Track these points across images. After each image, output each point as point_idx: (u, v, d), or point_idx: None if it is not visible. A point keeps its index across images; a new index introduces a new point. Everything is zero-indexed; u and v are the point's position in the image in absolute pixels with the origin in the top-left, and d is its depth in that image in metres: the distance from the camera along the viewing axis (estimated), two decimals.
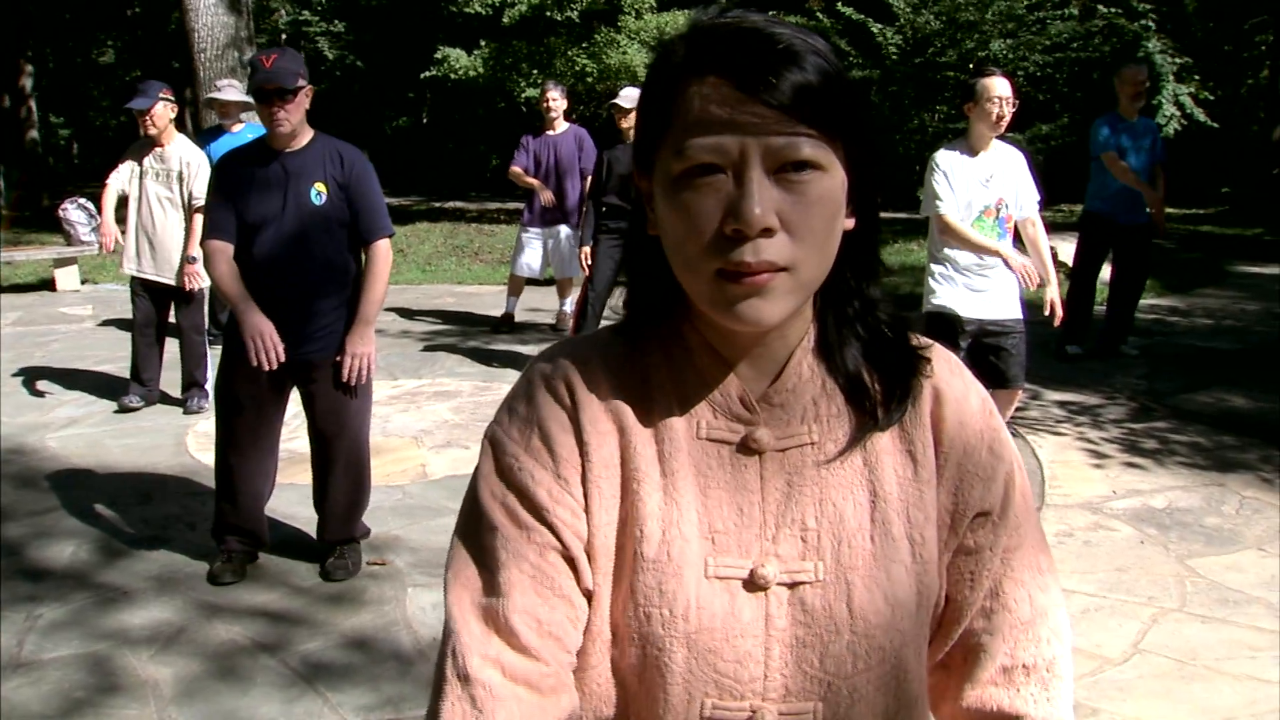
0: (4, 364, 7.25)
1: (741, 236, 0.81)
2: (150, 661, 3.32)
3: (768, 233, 0.82)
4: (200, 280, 5.87)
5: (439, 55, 19.02)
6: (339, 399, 3.76)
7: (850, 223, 0.90)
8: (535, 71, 18.39)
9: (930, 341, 0.99)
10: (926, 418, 0.95)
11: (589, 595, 0.91)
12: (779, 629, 0.90)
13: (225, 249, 3.68)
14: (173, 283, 5.92)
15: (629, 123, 6.75)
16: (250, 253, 3.65)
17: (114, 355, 7.36)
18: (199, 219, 5.76)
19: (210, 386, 5.94)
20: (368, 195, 3.69)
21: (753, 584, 0.90)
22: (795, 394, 0.93)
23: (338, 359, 3.70)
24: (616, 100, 6.92)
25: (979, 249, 4.29)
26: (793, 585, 0.91)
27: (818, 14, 15.66)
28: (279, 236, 3.66)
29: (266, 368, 3.58)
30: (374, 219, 3.72)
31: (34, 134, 20.04)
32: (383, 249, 3.74)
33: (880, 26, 14.64)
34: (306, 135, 3.69)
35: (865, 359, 0.95)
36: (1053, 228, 6.89)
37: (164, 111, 5.80)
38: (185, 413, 5.99)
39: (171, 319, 6.11)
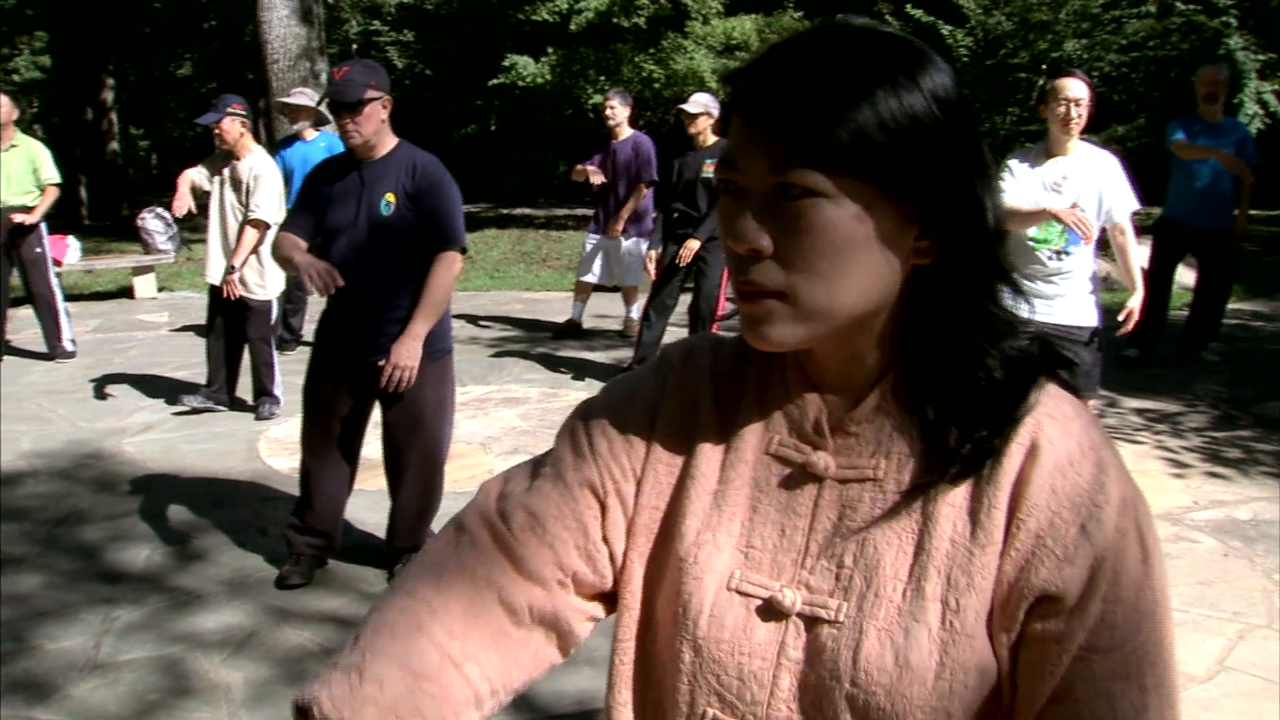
0: (84, 370, 7.42)
1: (740, 256, 0.83)
2: (222, 665, 3.36)
3: (758, 255, 0.82)
4: (238, 290, 5.96)
5: (507, 63, 19.18)
6: (411, 409, 3.77)
7: (918, 259, 0.85)
8: (602, 78, 18.46)
9: (1061, 393, 0.87)
10: (1009, 475, 0.84)
11: (613, 555, 0.94)
12: (791, 659, 0.87)
13: (294, 239, 3.74)
14: (240, 292, 6.02)
15: (696, 128, 6.72)
16: (329, 260, 3.70)
17: (189, 362, 7.49)
18: (250, 231, 5.89)
19: (280, 393, 6.07)
20: (437, 206, 3.66)
21: (772, 607, 0.88)
22: (869, 426, 0.89)
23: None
24: (684, 106, 6.89)
25: (1026, 220, 4.12)
26: (812, 619, 0.87)
27: (886, 16, 15.49)
28: (351, 245, 3.70)
29: (324, 292, 3.59)
30: (441, 229, 3.67)
31: (114, 145, 20.54)
32: (445, 260, 3.68)
33: (950, 28, 14.45)
34: (386, 145, 3.70)
35: (949, 405, 0.86)
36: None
37: (231, 125, 5.87)
38: (257, 419, 6.08)
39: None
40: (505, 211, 19.97)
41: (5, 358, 7.71)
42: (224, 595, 3.84)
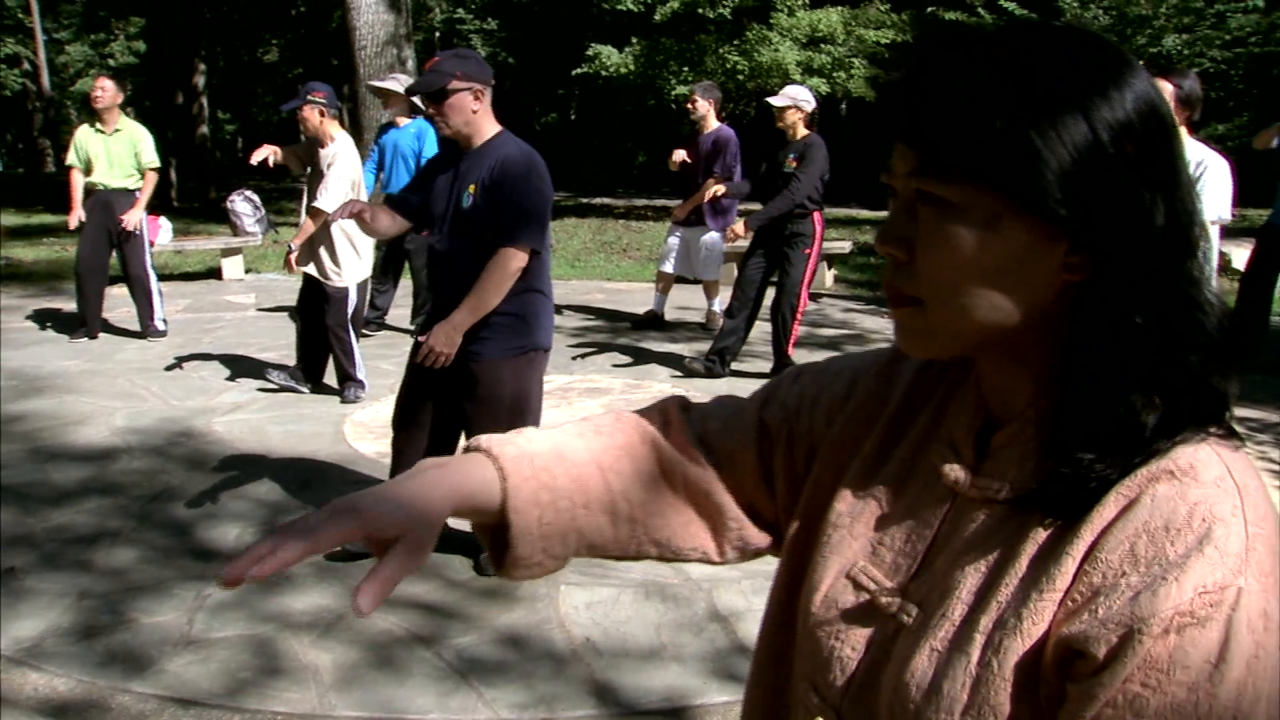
0: (174, 348, 7.58)
1: (887, 259, 0.83)
2: (311, 646, 3.39)
3: (895, 259, 0.82)
4: (295, 266, 6.09)
5: (590, 52, 19.19)
6: (488, 403, 3.73)
7: (1069, 276, 0.78)
8: (685, 69, 18.41)
9: (1217, 450, 0.76)
10: (1096, 526, 0.75)
11: (777, 494, 1.03)
12: (872, 656, 0.88)
13: (384, 208, 3.81)
14: (317, 276, 6.11)
15: (784, 122, 6.64)
16: (431, 247, 3.72)
17: (275, 343, 7.62)
18: (311, 219, 5.98)
19: (363, 377, 6.14)
20: (507, 199, 3.57)
21: (875, 603, 0.89)
22: (1009, 449, 0.85)
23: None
24: (771, 100, 6.82)
25: None
26: (897, 624, 0.86)
27: (980, 10, 15.22)
28: (442, 235, 3.73)
29: (341, 216, 3.63)
30: (506, 224, 3.58)
31: (204, 129, 20.97)
32: (500, 257, 3.57)
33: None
34: (483, 135, 3.66)
35: (1075, 438, 0.78)
36: (1226, 233, 6.53)
37: (311, 113, 5.93)
38: (342, 402, 6.16)
39: None
40: (585, 201, 20.03)
41: (100, 335, 7.90)
42: (312, 577, 3.87)
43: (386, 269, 8.27)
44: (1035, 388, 0.83)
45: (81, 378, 6.73)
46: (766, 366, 6.96)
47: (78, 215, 7.64)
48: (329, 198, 5.87)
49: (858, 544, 0.92)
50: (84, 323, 7.90)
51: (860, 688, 0.88)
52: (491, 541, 0.98)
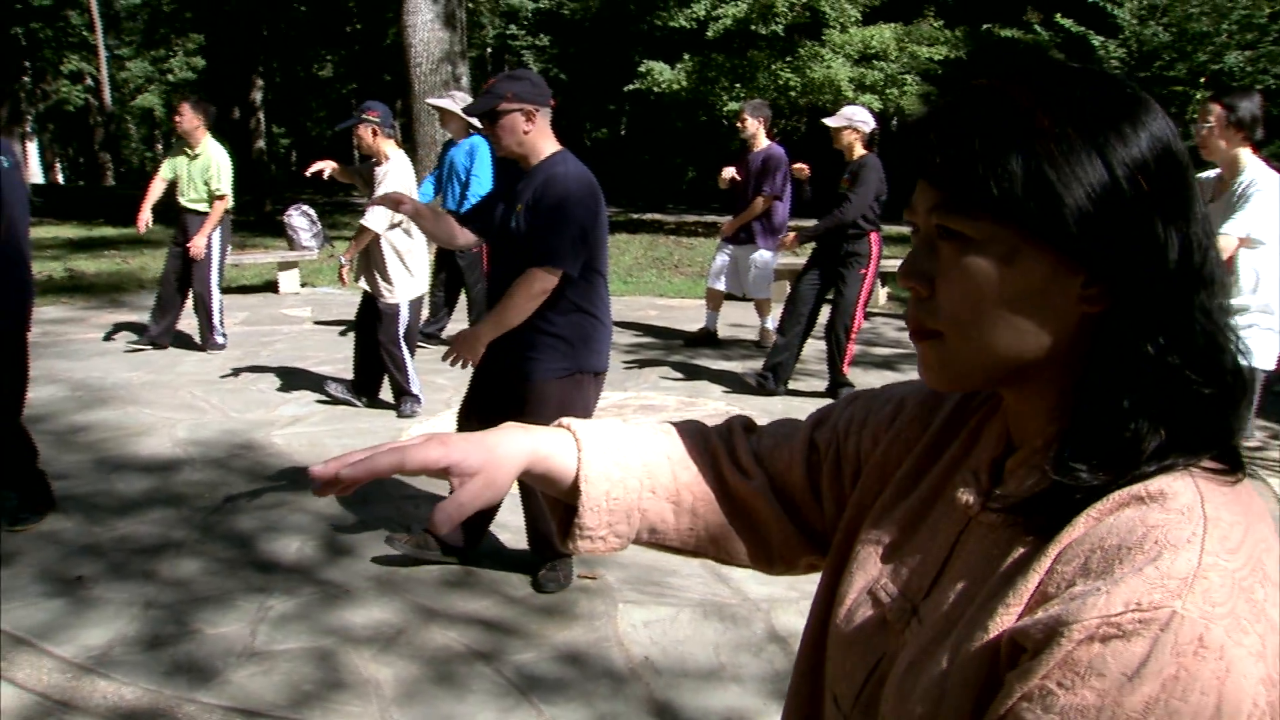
0: (233, 361, 7.70)
1: (910, 293, 0.87)
2: (372, 661, 3.42)
3: (917, 293, 0.85)
4: (346, 278, 6.23)
5: (643, 69, 19.28)
6: (535, 422, 3.74)
7: (1087, 307, 0.81)
8: (737, 85, 18.44)
9: (1195, 481, 0.77)
10: (1061, 543, 0.78)
11: (823, 509, 1.09)
12: (881, 668, 0.92)
13: (451, 218, 3.89)
14: (370, 291, 6.19)
15: (840, 143, 6.63)
16: (490, 266, 3.78)
17: (332, 357, 7.71)
18: (359, 235, 6.06)
19: (419, 391, 6.20)
20: (542, 219, 3.59)
21: (886, 617, 0.93)
22: (1022, 473, 0.87)
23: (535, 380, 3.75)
24: (827, 120, 6.81)
25: None
26: (904, 640, 0.90)
27: (1036, 27, 15.10)
28: (497, 252, 3.79)
29: (389, 207, 3.81)
30: (540, 244, 3.59)
31: (260, 144, 21.29)
32: (527, 276, 3.58)
33: (1102, 39, 14.01)
34: (539, 155, 3.69)
35: (1074, 460, 0.80)
36: None
37: (365, 131, 6.03)
38: (398, 416, 6.21)
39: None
40: (635, 216, 20.07)
41: (163, 349, 8.04)
42: (372, 591, 3.91)
43: (445, 290, 8.36)
44: (1050, 415, 0.85)
45: (144, 389, 6.85)
46: (821, 385, 6.94)
47: (144, 219, 7.84)
48: (374, 215, 5.95)
49: (882, 563, 0.96)
50: (149, 331, 8.07)
51: (868, 699, 0.92)
52: (560, 512, 1.07)
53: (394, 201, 3.80)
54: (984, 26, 16.62)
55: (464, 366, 3.79)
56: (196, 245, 7.77)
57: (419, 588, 3.94)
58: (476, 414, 3.93)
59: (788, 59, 18.24)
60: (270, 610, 3.75)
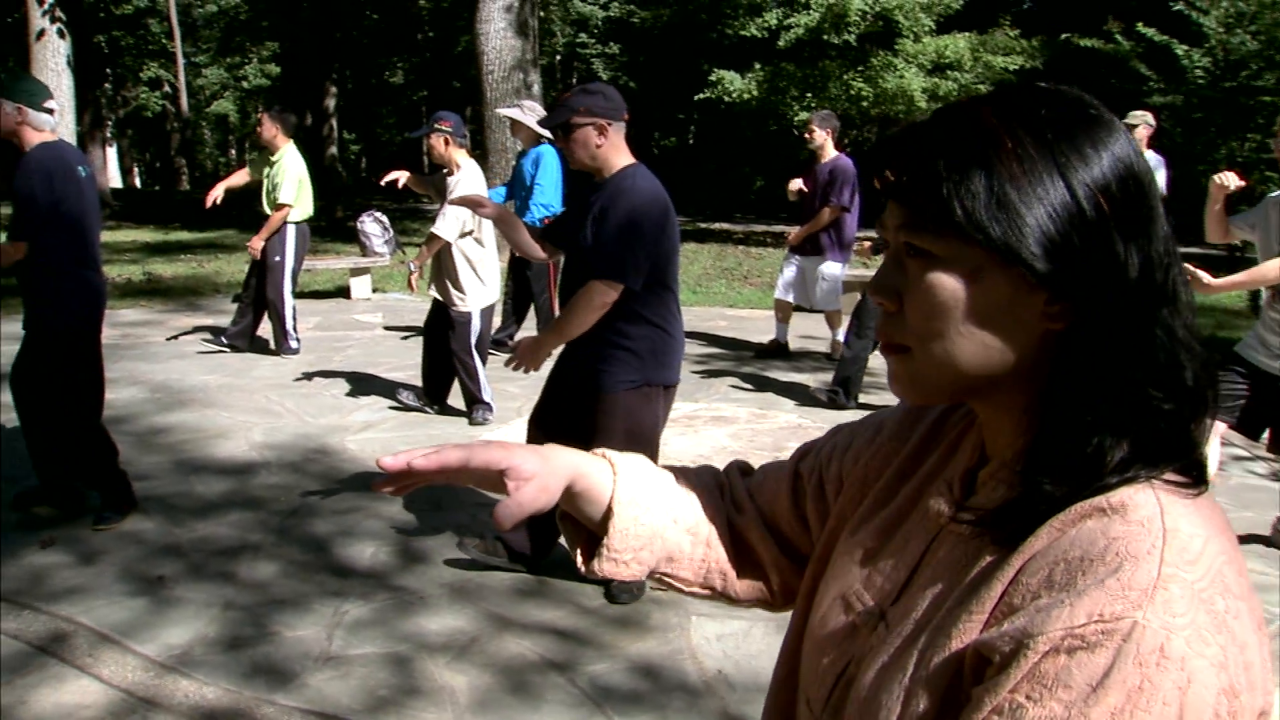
0: (306, 366, 7.84)
1: (880, 309, 0.90)
2: (446, 668, 3.46)
3: (887, 308, 0.89)
4: (414, 286, 6.33)
5: (713, 77, 19.29)
6: (601, 436, 3.72)
7: (1050, 324, 0.83)
8: (808, 95, 18.37)
9: (1156, 494, 0.79)
10: (1025, 553, 0.80)
11: (809, 529, 1.15)
12: (847, 672, 0.95)
13: (526, 231, 3.92)
14: (442, 300, 6.26)
15: None
16: (564, 279, 3.83)
17: (403, 363, 7.81)
18: (428, 243, 6.14)
19: (490, 399, 6.25)
20: (604, 232, 3.61)
21: (855, 623, 0.96)
22: (993, 484, 0.90)
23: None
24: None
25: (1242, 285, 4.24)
26: (871, 645, 0.93)
27: (1117, 36, 14.87)
28: (569, 266, 3.82)
29: (473, 209, 3.86)
30: (603, 256, 3.60)
31: (333, 150, 21.63)
32: (587, 288, 3.60)
33: (1186, 48, 13.76)
34: (611, 169, 3.70)
35: (1040, 473, 0.83)
36: None
37: (436, 141, 6.09)
38: (470, 424, 6.28)
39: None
40: (704, 225, 20.06)
41: (239, 353, 8.20)
42: (446, 598, 3.95)
43: (514, 300, 8.43)
44: (1018, 428, 0.88)
45: (220, 392, 7.00)
46: (894, 398, 6.87)
47: (215, 194, 8.04)
48: (445, 223, 6.02)
49: (857, 569, 1.00)
50: (226, 333, 8.25)
51: (837, 702, 0.95)
52: (582, 538, 1.14)
53: (474, 203, 3.84)
54: (1062, 36, 16.40)
55: (525, 372, 3.85)
56: (253, 244, 7.94)
57: (492, 596, 3.98)
58: (546, 423, 3.96)
59: (859, 69, 18.15)
60: (346, 615, 3.81)
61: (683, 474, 1.19)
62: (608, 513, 1.09)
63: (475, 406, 6.34)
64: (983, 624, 0.80)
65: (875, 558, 0.99)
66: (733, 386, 7.44)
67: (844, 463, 1.12)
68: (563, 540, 1.18)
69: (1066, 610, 0.73)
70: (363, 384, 7.30)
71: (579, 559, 1.13)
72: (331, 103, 21.59)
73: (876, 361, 7.07)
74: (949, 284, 0.83)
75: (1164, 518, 0.77)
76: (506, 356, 3.91)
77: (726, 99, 19.27)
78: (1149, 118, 8.29)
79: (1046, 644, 0.72)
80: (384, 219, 11.06)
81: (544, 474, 1.01)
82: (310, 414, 6.49)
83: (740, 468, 1.25)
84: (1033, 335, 0.84)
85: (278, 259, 8.00)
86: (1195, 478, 0.82)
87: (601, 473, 1.09)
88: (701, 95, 19.91)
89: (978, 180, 0.81)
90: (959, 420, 1.03)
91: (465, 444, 0.99)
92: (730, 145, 26.32)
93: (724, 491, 1.21)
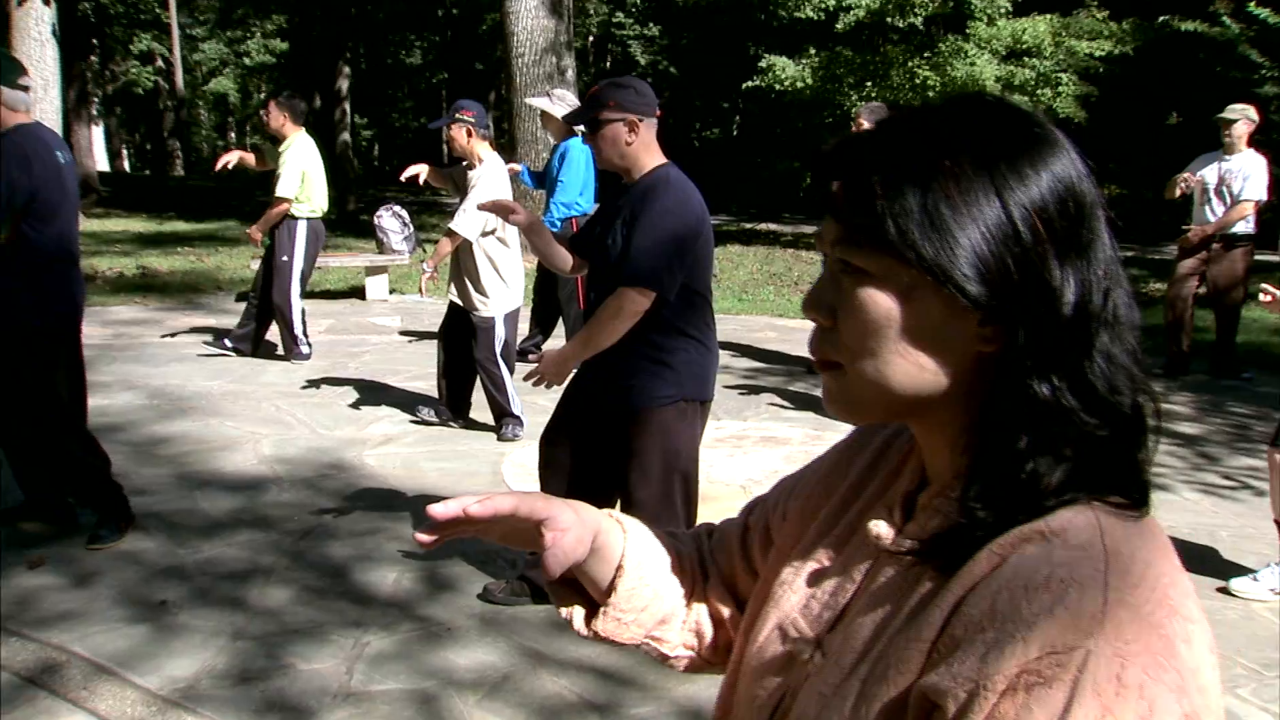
0: (319, 372, 7.93)
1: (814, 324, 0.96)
2: (477, 707, 3.48)
3: (820, 324, 0.94)
4: (425, 285, 6.32)
5: (763, 64, 19.30)
6: (637, 457, 3.76)
7: (983, 346, 0.88)
8: (868, 83, 18.35)
9: (1098, 517, 0.84)
10: (968, 581, 0.84)
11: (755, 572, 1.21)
12: (784, 704, 1.01)
13: (554, 240, 3.94)
14: (463, 305, 6.30)
15: None
16: (588, 288, 3.86)
17: (425, 371, 7.85)
18: (445, 240, 6.17)
19: (520, 413, 6.29)
20: (635, 234, 3.61)
21: (793, 653, 1.02)
22: (932, 509, 0.95)
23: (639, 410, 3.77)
24: None
25: None
26: (808, 674, 0.99)
27: (1224, 18, 14.75)
28: (594, 271, 3.84)
29: (494, 212, 3.87)
30: (633, 262, 3.60)
31: (345, 137, 21.78)
32: (618, 295, 3.59)
33: None
34: (642, 168, 3.72)
35: (979, 499, 0.88)
36: None
37: (459, 132, 6.12)
38: (499, 439, 6.33)
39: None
40: (748, 226, 20.09)
41: (245, 357, 8.30)
42: (475, 630, 3.99)
43: (541, 311, 8.48)
44: (956, 451, 0.93)
45: (225, 400, 7.09)
46: None
47: (226, 160, 8.18)
48: (465, 219, 6.04)
49: (795, 598, 1.06)
50: (231, 334, 8.36)
51: None
52: (573, 598, 1.20)
53: (504, 210, 3.86)
54: (1160, 19, 16.28)
55: (547, 388, 3.84)
56: (253, 231, 8.06)
57: (526, 629, 4.01)
58: (563, 444, 3.98)
59: (926, 55, 18.11)
60: (367, 647, 3.85)
61: (670, 537, 1.27)
62: (618, 571, 1.16)
63: (505, 420, 6.38)
64: (925, 655, 0.84)
65: (815, 585, 1.05)
66: (782, 405, 7.46)
67: (789, 504, 1.18)
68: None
69: (1019, 645, 0.76)
70: (381, 394, 7.37)
71: (575, 621, 1.20)
72: (344, 84, 21.74)
73: None
74: (882, 302, 0.88)
75: (1104, 540, 0.82)
76: (528, 370, 3.93)
77: (777, 87, 19.25)
78: (1250, 111, 8.22)
79: (1003, 682, 0.76)
80: (404, 214, 11.15)
81: (578, 527, 1.09)
82: (324, 425, 6.56)
83: (707, 530, 1.33)
84: (966, 357, 0.89)
85: (285, 258, 8.07)
86: (1137, 499, 0.87)
87: (613, 531, 1.17)
88: (749, 83, 19.92)
89: (912, 198, 0.86)
90: (903, 444, 1.08)
91: (515, 492, 1.06)
92: (779, 138, 26.33)
93: (701, 555, 1.28)
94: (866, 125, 8.02)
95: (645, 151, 3.71)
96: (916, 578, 0.91)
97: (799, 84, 18.77)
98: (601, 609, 1.17)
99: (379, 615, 4.09)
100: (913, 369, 0.90)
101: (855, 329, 0.90)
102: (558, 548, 1.05)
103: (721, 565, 1.26)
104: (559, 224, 7.56)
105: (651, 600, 1.18)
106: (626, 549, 1.16)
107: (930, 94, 17.70)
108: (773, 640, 1.06)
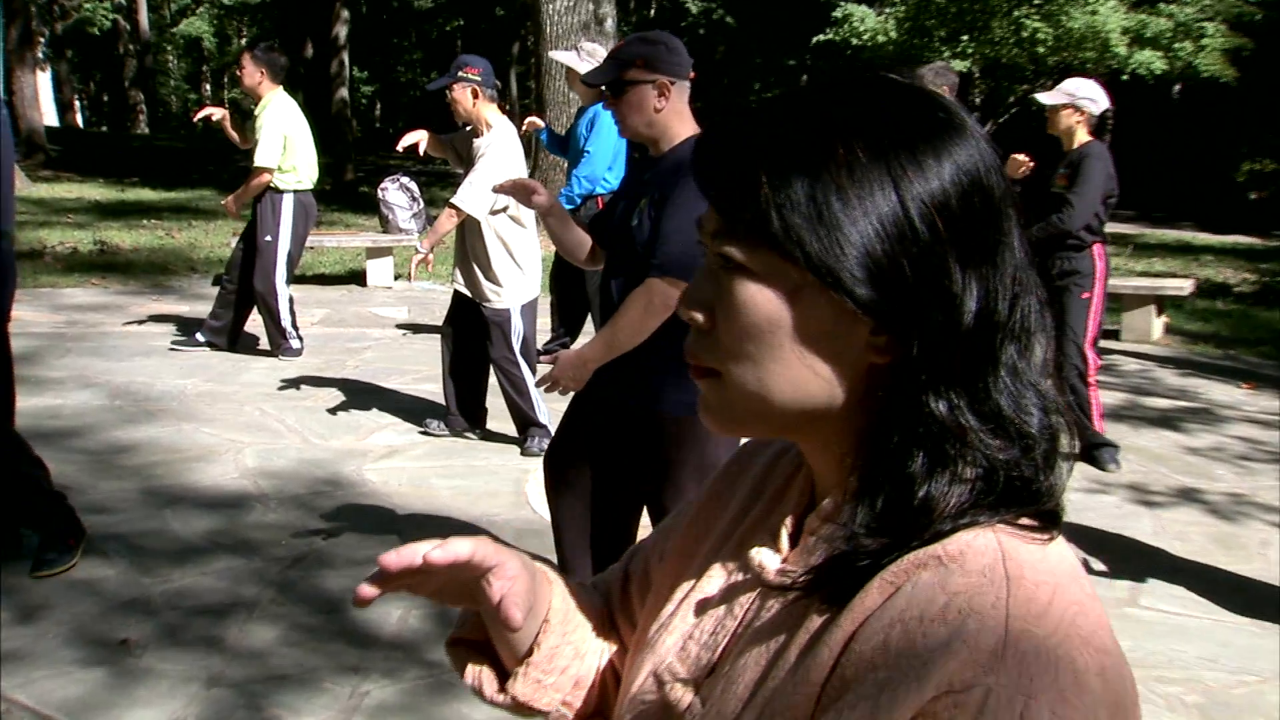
0: (312, 370, 7.96)
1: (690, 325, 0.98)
2: None
3: (698, 325, 0.97)
4: (414, 270, 6.30)
5: (838, 13, 19.26)
6: (667, 470, 3.75)
7: (875, 357, 0.91)
8: (965, 37, 18.26)
9: (1001, 543, 0.87)
10: (855, 614, 0.87)
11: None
12: None
13: (575, 227, 3.96)
14: (471, 296, 6.28)
15: (1056, 127, 6.53)
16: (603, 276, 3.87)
17: (435, 372, 7.82)
18: (446, 216, 6.12)
19: (548, 421, 6.27)
20: (665, 216, 3.58)
21: (669, 702, 1.04)
22: (820, 534, 0.97)
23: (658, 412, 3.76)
24: (1040, 95, 6.72)
25: None
26: None
27: None
28: (615, 257, 3.84)
29: (510, 194, 3.85)
30: (662, 248, 3.57)
31: (343, 94, 21.80)
32: (646, 286, 3.57)
33: None
34: (672, 140, 3.70)
35: (868, 523, 0.90)
36: None
37: (463, 93, 6.12)
38: (523, 454, 6.33)
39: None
40: None
41: (222, 352, 8.36)
42: None
43: (563, 305, 8.47)
44: (845, 469, 0.95)
45: (200, 402, 7.12)
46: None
47: (208, 113, 8.34)
48: (470, 193, 6.02)
49: (671, 639, 1.09)
50: (205, 326, 8.42)
51: None
52: (486, 660, 1.22)
53: (524, 190, 3.81)
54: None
55: (563, 393, 3.82)
56: (229, 202, 8.08)
57: None
58: (574, 459, 3.98)
59: (1035, 3, 17.98)
60: (366, 696, 3.84)
61: (584, 589, 1.31)
62: (543, 626, 1.18)
63: (531, 430, 6.36)
64: (814, 700, 0.86)
65: (693, 623, 1.08)
66: None
67: (666, 545, 1.23)
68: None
69: (913, 686, 0.78)
70: (384, 398, 7.40)
71: (486, 686, 1.21)
72: (342, 31, 21.78)
73: None
74: (765, 303, 0.91)
75: (1006, 565, 0.84)
76: (542, 374, 3.90)
77: (854, 42, 19.21)
78: None
79: None
80: (412, 186, 11.16)
81: (524, 575, 1.10)
82: (317, 434, 6.57)
83: (593, 581, 1.38)
84: (856, 368, 0.91)
85: (269, 239, 8.10)
86: (1045, 521, 0.89)
87: (543, 582, 1.19)
88: (822, 36, 19.89)
89: (800, 188, 0.88)
90: (790, 462, 1.12)
91: (472, 538, 1.05)
92: None
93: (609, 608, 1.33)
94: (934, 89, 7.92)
95: (677, 119, 3.69)
96: (804, 611, 0.92)
97: (880, 37, 18.73)
98: (519, 669, 1.18)
99: (380, 660, 4.08)
100: (797, 379, 0.92)
101: (735, 332, 0.93)
102: (515, 594, 1.06)
103: (620, 624, 1.30)
104: (578, 199, 7.54)
105: (572, 661, 1.21)
106: (553, 601, 1.19)
107: (1040, 50, 17.59)
108: (647, 689, 1.08)
